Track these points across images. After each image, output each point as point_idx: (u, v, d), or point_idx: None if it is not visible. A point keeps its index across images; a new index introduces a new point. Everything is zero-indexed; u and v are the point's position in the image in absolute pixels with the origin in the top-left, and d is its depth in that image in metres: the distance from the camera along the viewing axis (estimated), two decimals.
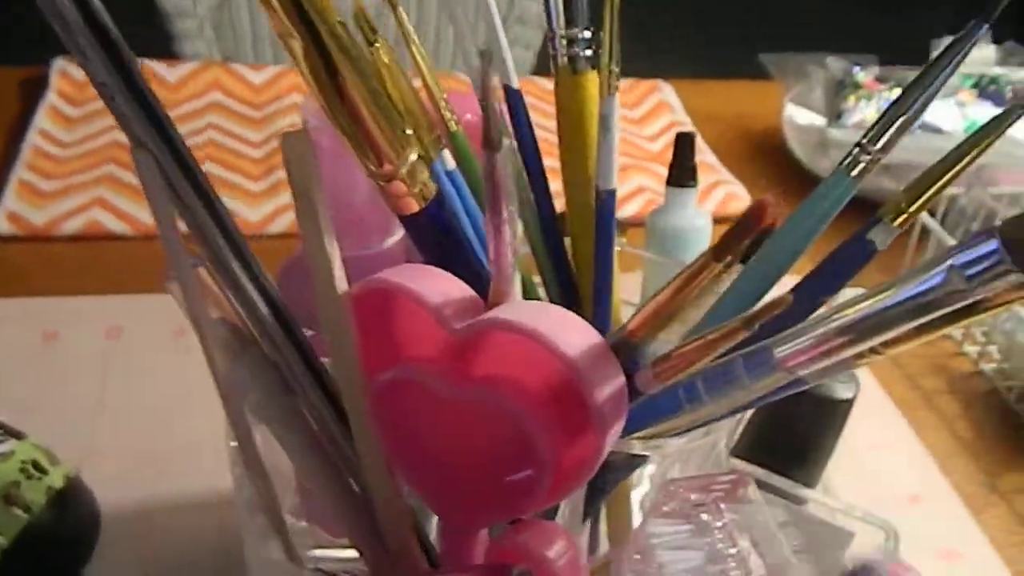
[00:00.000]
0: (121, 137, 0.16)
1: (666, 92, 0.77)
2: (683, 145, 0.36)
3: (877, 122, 0.24)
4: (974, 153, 0.22)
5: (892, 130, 0.24)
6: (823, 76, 0.67)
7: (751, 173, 0.70)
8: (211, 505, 0.42)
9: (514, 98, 0.27)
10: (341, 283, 0.20)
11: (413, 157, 0.20)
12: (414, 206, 0.21)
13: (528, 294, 0.28)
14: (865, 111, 0.64)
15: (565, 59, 0.26)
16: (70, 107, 0.65)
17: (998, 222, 0.15)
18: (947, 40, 0.79)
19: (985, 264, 0.15)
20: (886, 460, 0.50)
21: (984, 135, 0.22)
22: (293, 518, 0.29)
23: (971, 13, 0.24)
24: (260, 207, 0.59)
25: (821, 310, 0.24)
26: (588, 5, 0.25)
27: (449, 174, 0.23)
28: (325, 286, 0.20)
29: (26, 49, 0.66)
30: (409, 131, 0.20)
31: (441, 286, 0.19)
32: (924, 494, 0.48)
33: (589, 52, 0.26)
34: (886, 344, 0.18)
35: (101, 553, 0.39)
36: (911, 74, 0.78)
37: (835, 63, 0.67)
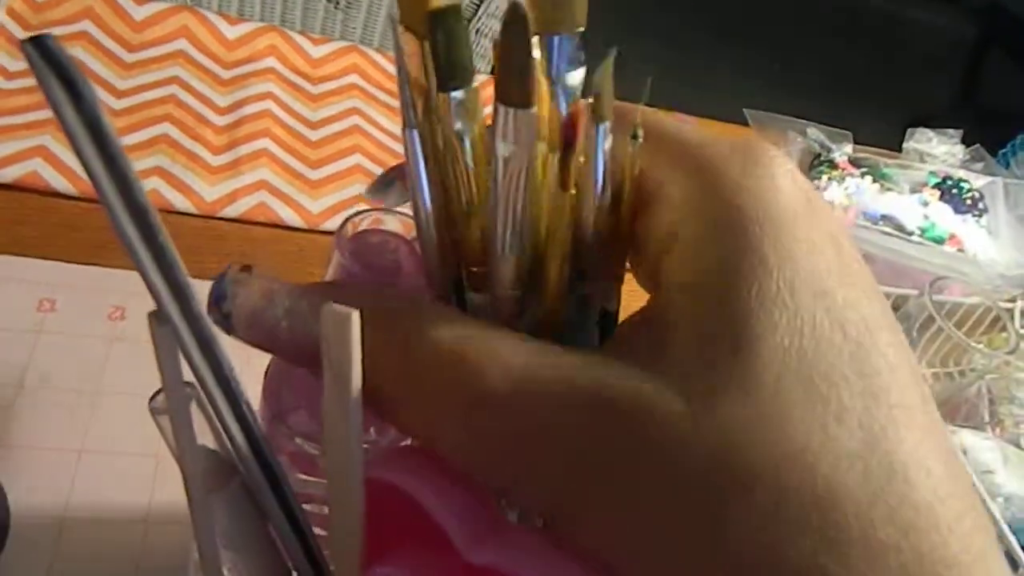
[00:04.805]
0: None
1: None
2: None
3: None
4: None
5: None
6: (801, 147, 0.67)
7: None
8: (133, 520, 0.41)
9: None
10: (357, 470, 0.19)
11: None
12: None
13: None
14: (835, 193, 0.65)
15: None
16: (21, 30, 0.59)
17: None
18: (924, 132, 0.80)
19: None
20: None
21: None
22: None
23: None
24: (218, 186, 0.55)
25: None
26: None
27: None
28: (339, 470, 0.19)
29: None
30: None
31: (460, 500, 0.19)
32: None
33: None
34: None
35: (7, 561, 0.37)
36: (883, 162, 0.79)
37: (815, 134, 0.68)
